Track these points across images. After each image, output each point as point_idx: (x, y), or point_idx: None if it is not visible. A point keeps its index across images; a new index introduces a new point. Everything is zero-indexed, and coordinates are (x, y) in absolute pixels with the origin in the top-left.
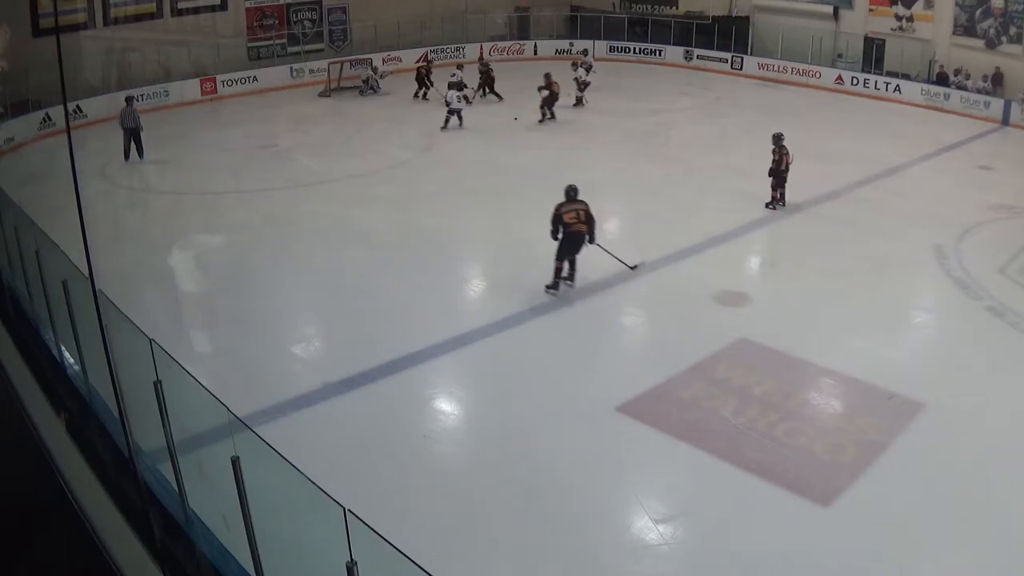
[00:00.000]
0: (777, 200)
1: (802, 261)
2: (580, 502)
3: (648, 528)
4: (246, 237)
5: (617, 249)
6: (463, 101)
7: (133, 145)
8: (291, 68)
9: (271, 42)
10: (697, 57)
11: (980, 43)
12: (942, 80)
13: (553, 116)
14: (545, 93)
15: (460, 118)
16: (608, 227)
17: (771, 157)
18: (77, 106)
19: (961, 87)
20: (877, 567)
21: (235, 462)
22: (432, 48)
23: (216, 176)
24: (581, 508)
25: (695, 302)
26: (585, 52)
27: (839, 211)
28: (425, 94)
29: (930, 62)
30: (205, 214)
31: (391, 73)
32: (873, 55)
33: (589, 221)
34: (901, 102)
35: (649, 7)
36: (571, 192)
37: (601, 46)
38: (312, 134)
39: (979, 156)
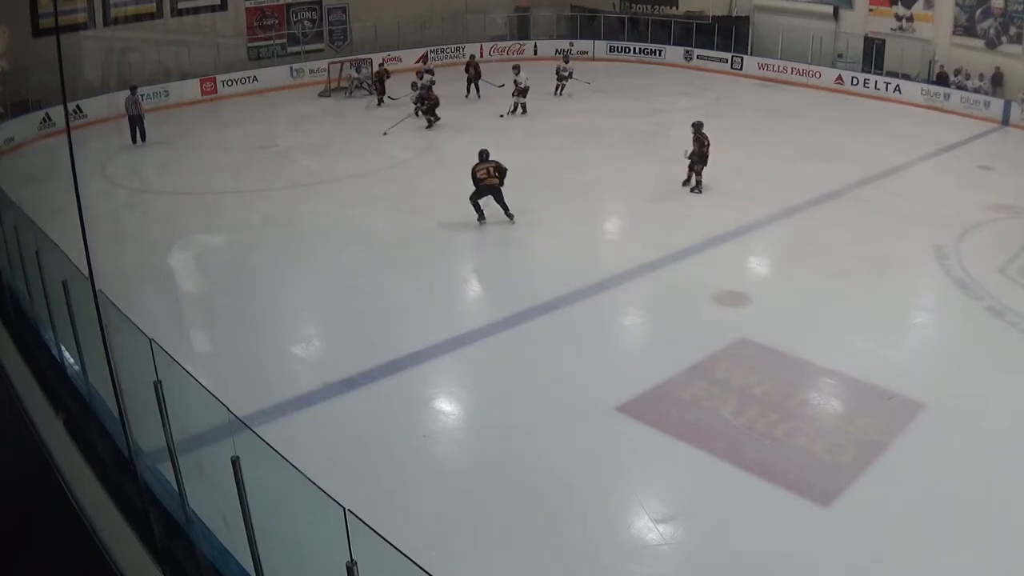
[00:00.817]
0: (697, 184)
1: (802, 261)
2: (580, 502)
3: (648, 528)
4: (246, 237)
5: (617, 248)
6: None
7: (138, 131)
8: (291, 68)
9: (271, 42)
10: (697, 57)
11: (980, 43)
12: (942, 80)
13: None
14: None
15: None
16: (608, 227)
17: (691, 147)
18: (77, 106)
19: (961, 87)
20: (877, 567)
21: (235, 462)
22: (432, 48)
23: (216, 176)
24: (581, 508)
25: (695, 302)
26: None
27: (839, 211)
28: (380, 101)
29: (930, 62)
30: (205, 214)
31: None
32: (873, 55)
33: (500, 173)
34: (901, 102)
35: (649, 7)
36: (483, 154)
37: (601, 46)
38: (312, 134)
39: (979, 156)
